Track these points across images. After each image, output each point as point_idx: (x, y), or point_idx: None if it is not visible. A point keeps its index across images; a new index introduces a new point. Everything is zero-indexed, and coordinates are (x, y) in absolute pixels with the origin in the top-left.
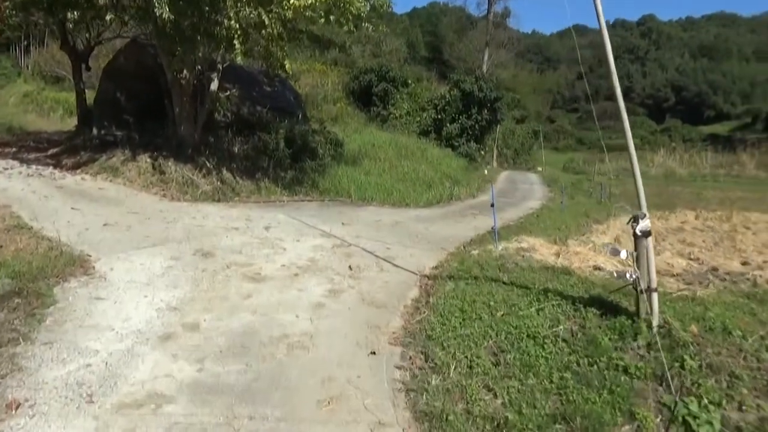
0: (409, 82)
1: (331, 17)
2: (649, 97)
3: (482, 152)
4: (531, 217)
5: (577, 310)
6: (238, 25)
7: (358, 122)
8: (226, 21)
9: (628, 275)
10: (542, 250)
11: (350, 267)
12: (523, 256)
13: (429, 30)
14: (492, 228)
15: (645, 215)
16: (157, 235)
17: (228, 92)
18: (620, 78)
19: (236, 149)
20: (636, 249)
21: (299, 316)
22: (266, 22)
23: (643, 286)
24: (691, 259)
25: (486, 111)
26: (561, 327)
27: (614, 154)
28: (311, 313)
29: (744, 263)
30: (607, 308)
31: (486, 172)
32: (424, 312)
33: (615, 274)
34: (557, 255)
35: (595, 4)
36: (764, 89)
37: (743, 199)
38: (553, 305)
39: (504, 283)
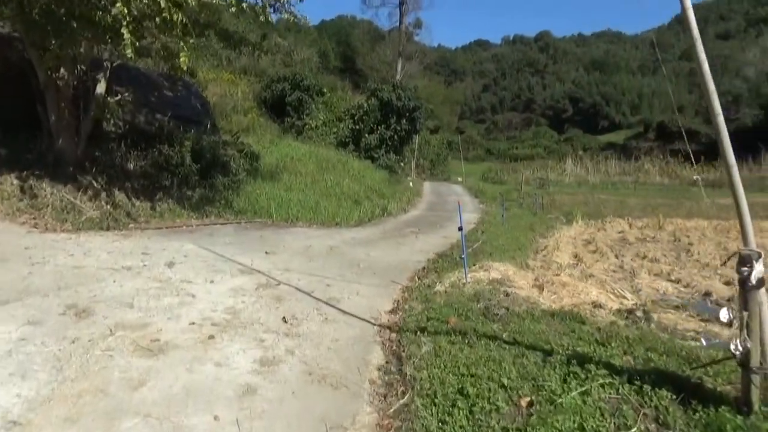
0: (325, 91)
1: (244, 4)
2: (549, 108)
3: (402, 163)
4: (475, 233)
5: (642, 393)
6: (126, 10)
7: (272, 134)
8: (111, 5)
9: (733, 346)
10: (518, 280)
11: (284, 319)
12: (505, 293)
13: (341, 40)
14: (443, 253)
15: (759, 255)
16: (12, 286)
17: (119, 97)
18: (522, 90)
19: (131, 165)
20: (744, 305)
21: (219, 418)
22: (162, 4)
23: (755, 362)
24: (671, 280)
25: (405, 121)
26: (634, 430)
27: (523, 163)
28: (238, 409)
29: (727, 283)
30: (687, 389)
31: (411, 184)
32: (403, 394)
33: (703, 340)
34: (540, 288)
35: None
36: (650, 101)
37: (663, 206)
38: (600, 385)
39: (505, 341)
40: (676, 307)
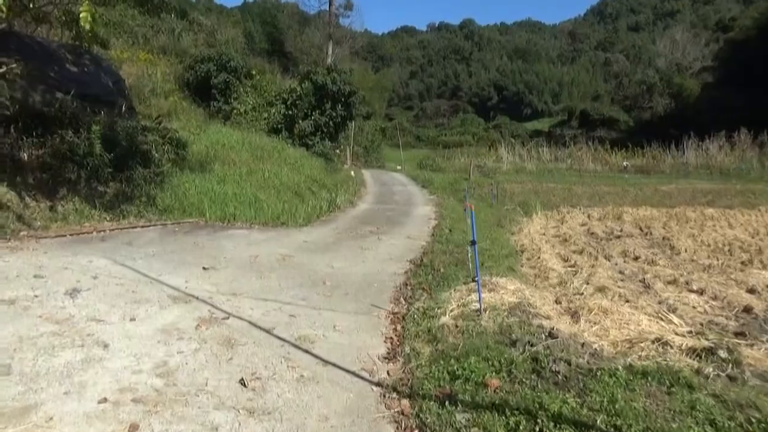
0: (254, 73)
1: None
2: (475, 95)
3: (338, 151)
4: (442, 233)
5: None
6: None
7: (197, 119)
8: None
9: None
10: (542, 305)
11: (243, 381)
12: (541, 328)
13: (266, 21)
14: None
15: None
16: None
17: (4, 69)
18: (449, 78)
19: (24, 155)
20: None
21: None
22: None
23: None
24: (692, 290)
25: (340, 106)
26: None
27: (454, 150)
28: None
29: (750, 291)
30: None
31: (352, 173)
32: None
33: None
34: (572, 315)
35: None
36: (570, 89)
37: (609, 194)
38: None
39: (585, 424)
40: (738, 335)
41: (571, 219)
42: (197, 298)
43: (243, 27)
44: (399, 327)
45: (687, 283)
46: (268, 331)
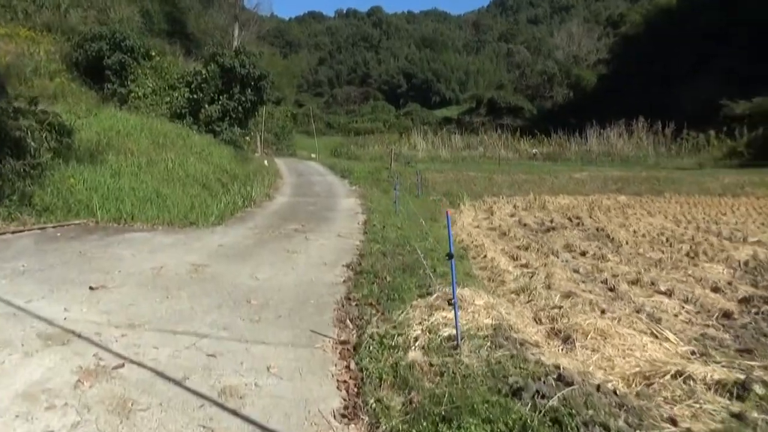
0: (153, 54)
1: None
2: (385, 83)
3: (247, 138)
4: (375, 229)
5: None
6: None
7: (88, 102)
8: None
9: None
10: (523, 325)
11: None
12: (541, 366)
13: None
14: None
15: None
16: None
17: None
18: (358, 65)
19: None
20: None
21: None
22: None
23: None
24: (660, 292)
25: (250, 90)
26: None
27: (364, 138)
28: None
29: (715, 290)
30: None
31: (266, 162)
32: None
33: None
34: (563, 340)
35: None
36: (476, 78)
37: (528, 182)
38: None
39: None
40: (742, 352)
41: (498, 209)
42: (79, 335)
43: (139, 5)
44: (353, 364)
45: (653, 283)
46: (179, 383)
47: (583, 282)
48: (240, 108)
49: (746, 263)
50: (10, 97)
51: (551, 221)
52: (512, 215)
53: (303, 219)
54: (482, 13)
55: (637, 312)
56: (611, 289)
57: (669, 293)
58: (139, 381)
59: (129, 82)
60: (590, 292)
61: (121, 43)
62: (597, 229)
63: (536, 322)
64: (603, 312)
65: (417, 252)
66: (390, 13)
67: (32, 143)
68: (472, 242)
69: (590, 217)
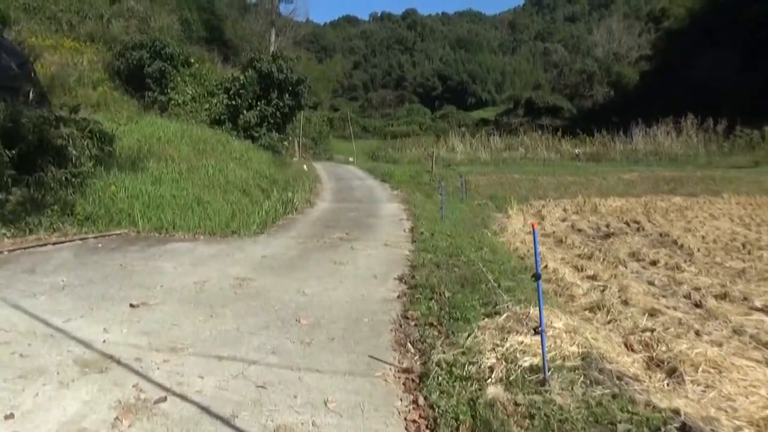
0: (192, 61)
1: None
2: (420, 85)
3: (285, 143)
4: (423, 237)
5: None
6: None
7: (130, 110)
8: None
9: None
10: (615, 354)
11: None
12: (655, 410)
13: (203, 7)
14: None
15: None
16: None
17: None
18: (393, 68)
19: None
20: None
21: None
22: None
23: None
24: (757, 309)
25: (287, 95)
26: None
27: (401, 141)
28: None
29: None
30: None
31: (305, 167)
32: None
33: None
34: (667, 373)
35: None
36: (512, 78)
37: (574, 184)
38: None
39: None
40: None
41: (548, 214)
42: (118, 361)
43: (179, 14)
44: (421, 399)
45: (745, 298)
46: (227, 422)
47: (663, 296)
48: (278, 113)
49: None
50: (52, 106)
51: (607, 226)
52: (564, 220)
53: (346, 226)
54: (518, 12)
55: (737, 333)
56: (697, 305)
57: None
58: (183, 419)
59: (169, 90)
60: (675, 308)
61: (161, 51)
62: (660, 235)
63: (628, 349)
64: (698, 334)
65: (474, 263)
66: (424, 15)
67: (74, 151)
68: (528, 251)
69: (649, 221)
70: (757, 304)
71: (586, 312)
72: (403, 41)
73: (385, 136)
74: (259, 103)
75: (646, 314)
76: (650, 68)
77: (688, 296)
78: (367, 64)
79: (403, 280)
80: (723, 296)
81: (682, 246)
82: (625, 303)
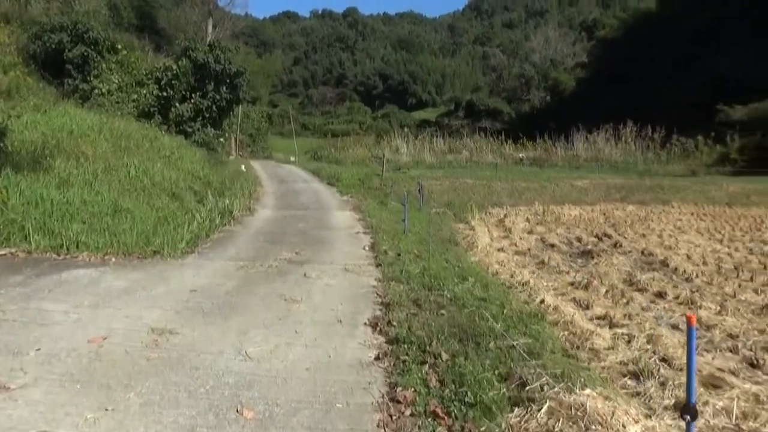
0: (119, 47)
1: None
2: (361, 84)
3: (222, 140)
4: (389, 258)
5: None
6: None
7: (45, 98)
8: None
9: None
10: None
11: None
12: None
13: None
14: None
15: None
16: None
17: None
18: (334, 66)
19: None
20: None
21: None
22: None
23: None
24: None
25: (225, 88)
26: None
27: (342, 140)
28: None
29: None
30: None
31: (243, 167)
32: None
33: None
34: None
35: None
36: (452, 80)
37: (528, 190)
38: None
39: None
40: None
41: (512, 225)
42: None
43: None
44: None
45: (754, 353)
46: None
47: (707, 350)
48: (214, 107)
49: None
50: None
51: (579, 240)
52: (530, 232)
53: (295, 242)
54: (457, 16)
55: None
56: (753, 365)
57: None
58: None
59: (92, 78)
60: (733, 373)
61: (83, 34)
62: (643, 253)
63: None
64: None
65: (465, 302)
66: (366, 14)
67: None
68: (512, 276)
69: (619, 234)
70: None
71: (627, 380)
72: (344, 39)
73: (325, 134)
74: (193, 95)
75: (709, 386)
76: (586, 75)
77: (734, 350)
78: (307, 61)
79: (378, 328)
80: (733, 346)
81: (676, 270)
82: (667, 363)
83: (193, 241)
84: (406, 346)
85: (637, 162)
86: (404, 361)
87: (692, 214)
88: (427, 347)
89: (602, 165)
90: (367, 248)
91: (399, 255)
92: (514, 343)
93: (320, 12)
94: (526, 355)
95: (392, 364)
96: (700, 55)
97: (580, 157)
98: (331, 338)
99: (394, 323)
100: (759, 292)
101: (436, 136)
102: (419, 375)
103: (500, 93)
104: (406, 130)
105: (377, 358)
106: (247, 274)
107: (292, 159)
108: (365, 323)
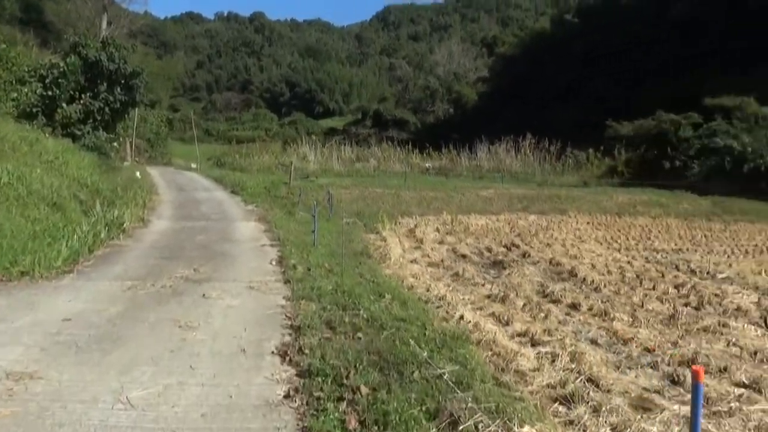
0: None
1: None
2: (267, 90)
3: (116, 144)
4: (298, 273)
5: None
6: None
7: None
8: None
9: None
10: None
11: None
12: None
13: None
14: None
15: None
16: None
17: None
18: (239, 71)
19: None
20: None
21: None
22: None
23: None
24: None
25: (119, 89)
26: None
27: (247, 147)
28: None
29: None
30: None
31: (138, 174)
32: None
33: None
34: None
35: None
36: (359, 90)
37: (436, 200)
38: None
39: None
40: None
41: (423, 235)
42: None
43: None
44: None
45: (722, 370)
46: None
47: (629, 368)
48: (107, 109)
49: None
50: None
51: (489, 251)
52: (441, 242)
53: (194, 257)
54: (365, 27)
55: None
56: (674, 381)
57: (755, 387)
58: None
59: None
60: (659, 392)
61: None
62: (551, 263)
63: None
64: None
65: (384, 323)
66: (273, 19)
67: None
68: (427, 290)
69: (525, 244)
70: (742, 378)
71: (557, 405)
72: (251, 44)
73: (230, 140)
74: (83, 95)
75: (639, 409)
76: (487, 90)
77: (654, 366)
78: (211, 65)
79: (287, 357)
80: (690, 363)
81: (584, 280)
82: (595, 384)
83: (73, 258)
84: (320, 379)
85: (535, 173)
86: (318, 398)
87: (588, 223)
88: (344, 380)
89: (504, 175)
90: (274, 263)
91: (309, 270)
92: (441, 372)
93: (225, 14)
94: (454, 386)
95: (305, 402)
96: (591, 76)
97: (483, 167)
98: (233, 373)
99: (306, 351)
100: (663, 301)
101: (344, 145)
102: (336, 415)
103: (406, 104)
104: (313, 137)
105: (287, 396)
106: (135, 296)
107: (194, 166)
108: (273, 352)
